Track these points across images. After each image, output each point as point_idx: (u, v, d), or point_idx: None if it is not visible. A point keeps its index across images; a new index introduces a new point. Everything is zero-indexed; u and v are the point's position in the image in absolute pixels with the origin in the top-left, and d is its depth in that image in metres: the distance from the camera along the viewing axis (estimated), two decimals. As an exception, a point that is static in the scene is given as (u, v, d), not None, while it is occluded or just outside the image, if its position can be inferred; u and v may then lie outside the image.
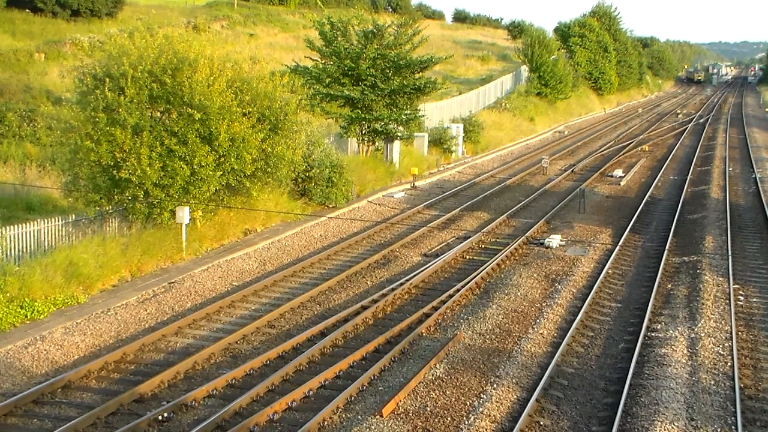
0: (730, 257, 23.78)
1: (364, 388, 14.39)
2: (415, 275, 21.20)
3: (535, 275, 21.92)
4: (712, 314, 18.89)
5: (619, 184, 38.52)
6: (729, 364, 16.07)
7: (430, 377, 14.92)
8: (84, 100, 20.60)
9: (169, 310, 18.31)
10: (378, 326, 17.73)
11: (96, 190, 20.53)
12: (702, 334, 17.57)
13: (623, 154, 49.83)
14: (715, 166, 46.02)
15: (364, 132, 35.43)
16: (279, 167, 23.10)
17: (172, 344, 16.33)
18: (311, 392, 14.12)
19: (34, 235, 18.83)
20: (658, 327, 18.19)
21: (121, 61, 20.47)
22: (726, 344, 17.10)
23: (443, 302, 19.07)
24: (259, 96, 22.62)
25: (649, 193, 35.42)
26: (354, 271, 21.71)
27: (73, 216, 20.19)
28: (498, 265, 22.69)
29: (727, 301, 19.89)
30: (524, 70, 74.60)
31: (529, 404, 13.72)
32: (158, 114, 21.50)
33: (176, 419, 13.04)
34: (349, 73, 34.09)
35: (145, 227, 21.36)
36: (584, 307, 19.00)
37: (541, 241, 25.79)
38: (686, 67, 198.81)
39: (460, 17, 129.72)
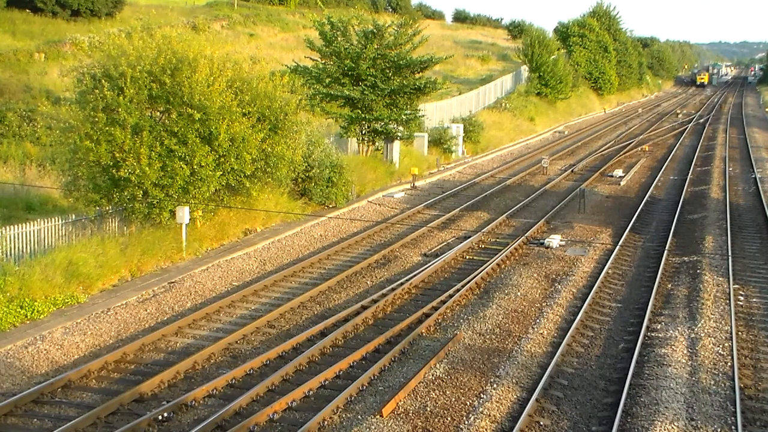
0: (730, 257, 23.77)
1: (364, 387, 14.39)
2: (415, 275, 21.20)
3: (535, 275, 21.92)
4: (712, 314, 18.89)
5: (619, 184, 38.51)
6: (729, 364, 16.07)
7: (430, 377, 14.91)
8: (83, 99, 20.58)
9: (169, 309, 18.31)
10: (378, 326, 17.72)
11: (96, 190, 20.53)
12: (702, 334, 17.57)
13: (623, 154, 49.82)
14: (715, 166, 46.01)
15: (364, 132, 35.43)
16: (279, 167, 23.10)
17: (172, 344, 16.33)
18: (311, 392, 14.12)
19: (34, 235, 18.82)
20: (658, 327, 18.18)
21: (119, 61, 20.46)
22: (726, 344, 17.10)
23: (443, 302, 19.06)
24: (259, 96, 22.61)
25: (649, 193, 35.42)
26: (354, 271, 21.71)
27: (73, 216, 20.17)
28: (498, 265, 22.69)
29: (727, 301, 19.88)
30: (524, 70, 74.61)
31: (529, 404, 13.72)
32: (158, 114, 21.49)
33: (176, 419, 13.04)
34: (349, 73, 34.09)
35: (145, 227, 21.35)
36: (584, 307, 19.00)
37: (541, 241, 25.79)
38: (686, 67, 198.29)
39: (460, 17, 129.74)
